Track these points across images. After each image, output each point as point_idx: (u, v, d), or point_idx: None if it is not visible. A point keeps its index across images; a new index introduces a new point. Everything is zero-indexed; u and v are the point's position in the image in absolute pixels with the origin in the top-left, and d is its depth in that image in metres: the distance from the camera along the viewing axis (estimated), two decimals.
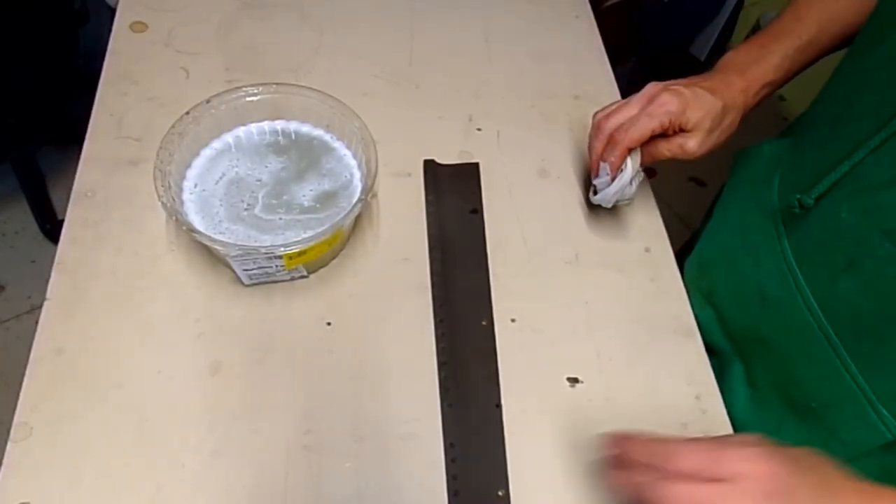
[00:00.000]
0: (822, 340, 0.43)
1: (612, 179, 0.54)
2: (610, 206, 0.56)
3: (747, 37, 1.77)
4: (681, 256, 0.61)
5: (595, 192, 0.56)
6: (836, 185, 0.43)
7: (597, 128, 0.54)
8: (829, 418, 0.44)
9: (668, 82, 0.52)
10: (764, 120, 0.58)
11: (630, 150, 0.53)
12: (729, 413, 0.52)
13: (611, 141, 0.52)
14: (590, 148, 0.55)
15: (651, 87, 0.52)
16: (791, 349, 0.46)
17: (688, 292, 0.57)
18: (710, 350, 0.56)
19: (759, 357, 0.50)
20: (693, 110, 0.50)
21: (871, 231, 0.40)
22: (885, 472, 0.43)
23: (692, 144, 0.51)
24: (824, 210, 0.45)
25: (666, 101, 0.50)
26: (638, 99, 0.52)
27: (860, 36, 0.49)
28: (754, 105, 0.54)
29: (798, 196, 0.46)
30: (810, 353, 0.44)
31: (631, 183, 0.54)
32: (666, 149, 0.53)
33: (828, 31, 0.53)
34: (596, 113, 0.55)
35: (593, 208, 0.61)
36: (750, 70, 0.53)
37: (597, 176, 0.55)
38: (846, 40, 0.54)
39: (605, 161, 0.53)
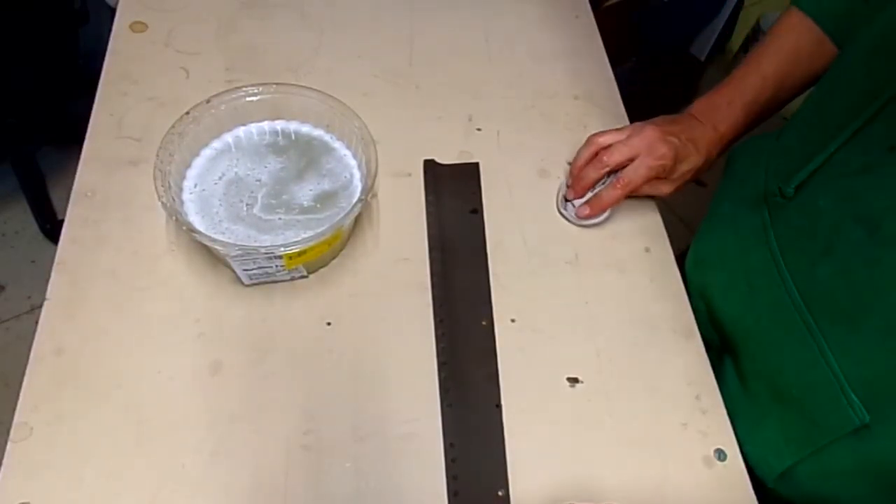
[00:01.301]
0: (802, 327, 0.45)
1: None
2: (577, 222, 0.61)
3: (747, 37, 1.77)
4: (683, 258, 0.62)
5: (565, 208, 0.61)
6: (814, 174, 0.46)
7: (591, 143, 0.59)
8: (808, 405, 0.45)
9: (663, 127, 0.56)
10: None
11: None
12: (725, 402, 0.53)
13: (612, 181, 0.57)
14: (576, 160, 0.60)
15: (651, 132, 0.56)
16: (773, 338, 0.48)
17: (687, 289, 0.58)
18: (706, 345, 0.57)
19: (745, 349, 0.52)
20: (682, 165, 0.57)
21: (845, 217, 0.43)
22: (857, 458, 0.44)
23: (667, 189, 0.59)
24: (804, 198, 0.47)
25: (664, 154, 0.55)
26: (639, 140, 0.56)
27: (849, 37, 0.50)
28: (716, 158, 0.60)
29: (779, 185, 0.49)
30: (790, 340, 0.46)
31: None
32: (645, 190, 0.59)
33: (786, 89, 0.58)
34: (591, 136, 0.59)
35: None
36: (721, 126, 0.58)
37: (578, 195, 0.59)
38: (795, 96, 0.59)
39: (602, 192, 0.58)
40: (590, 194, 0.59)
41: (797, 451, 0.47)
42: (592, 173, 0.57)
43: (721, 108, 0.58)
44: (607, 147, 0.57)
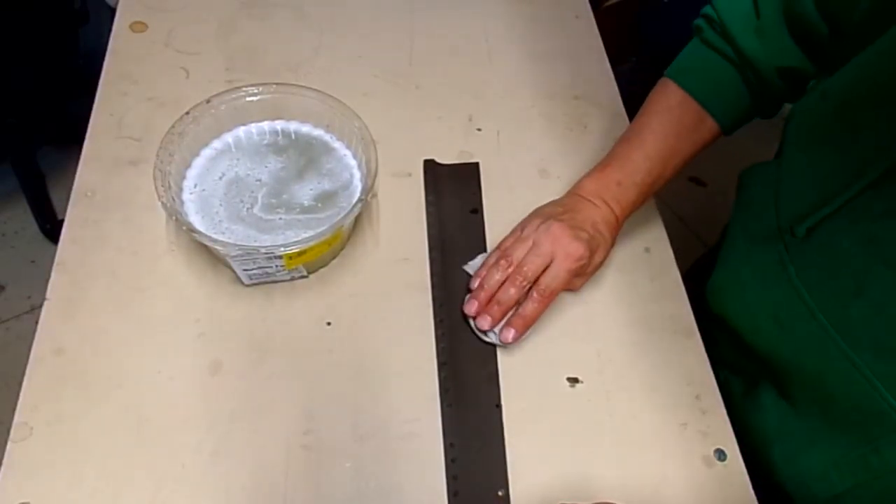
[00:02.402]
0: (845, 361, 0.43)
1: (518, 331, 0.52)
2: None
3: None
4: (697, 275, 0.60)
5: (486, 335, 0.53)
6: (833, 216, 0.44)
7: (505, 258, 0.53)
8: (871, 433, 0.44)
9: (568, 222, 0.52)
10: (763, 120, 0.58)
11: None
12: (758, 428, 0.52)
13: (534, 294, 0.52)
14: (487, 278, 0.53)
15: (559, 232, 0.52)
16: (818, 369, 0.46)
17: (711, 318, 0.57)
18: (737, 370, 0.56)
19: (790, 377, 0.50)
20: (596, 256, 0.53)
21: (873, 261, 0.41)
22: None
23: (580, 283, 0.56)
24: (824, 239, 0.45)
25: (581, 255, 0.51)
26: (551, 245, 0.52)
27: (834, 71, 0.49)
28: None
29: (791, 224, 0.47)
30: (835, 372, 0.44)
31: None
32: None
33: (671, 166, 0.56)
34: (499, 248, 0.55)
35: None
36: (617, 208, 0.55)
37: (498, 321, 0.52)
38: (679, 170, 0.57)
39: (525, 309, 0.52)
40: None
41: (852, 476, 0.45)
42: (514, 293, 0.51)
43: (612, 189, 0.55)
44: (520, 261, 0.52)
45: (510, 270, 0.52)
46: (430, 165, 0.63)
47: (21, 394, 0.48)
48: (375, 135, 0.54)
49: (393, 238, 0.59)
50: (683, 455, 0.50)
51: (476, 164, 0.64)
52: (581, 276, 0.54)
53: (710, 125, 0.55)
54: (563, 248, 0.51)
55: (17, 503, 0.44)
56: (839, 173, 0.44)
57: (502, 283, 0.52)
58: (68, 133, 1.00)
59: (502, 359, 0.53)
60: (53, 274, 0.53)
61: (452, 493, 0.47)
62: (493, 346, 0.54)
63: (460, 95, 0.69)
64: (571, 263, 0.51)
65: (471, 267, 0.57)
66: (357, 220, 0.57)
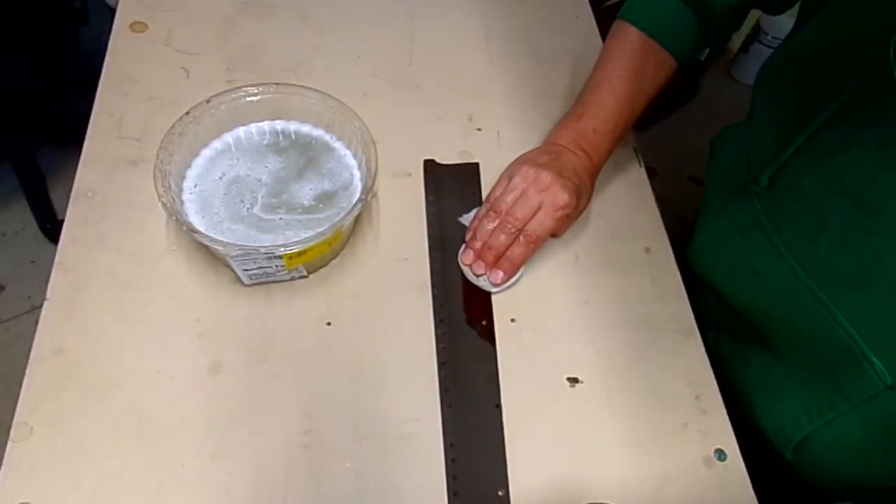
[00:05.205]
0: (813, 301, 0.46)
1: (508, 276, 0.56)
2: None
3: (747, 37, 1.75)
4: (679, 244, 0.62)
5: (476, 279, 0.56)
6: (793, 158, 0.47)
7: (495, 209, 0.56)
8: (837, 372, 0.46)
9: (553, 169, 0.55)
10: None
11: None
12: (743, 382, 0.54)
13: (520, 238, 0.55)
14: (477, 229, 0.56)
15: (547, 180, 0.54)
16: (790, 315, 0.48)
17: (696, 281, 0.58)
18: (724, 330, 0.58)
19: (771, 328, 0.52)
20: (581, 202, 0.56)
21: (831, 193, 0.44)
22: (876, 425, 0.45)
23: (565, 228, 0.59)
24: (787, 181, 0.48)
25: (567, 203, 0.54)
26: (538, 193, 0.54)
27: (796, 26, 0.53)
28: None
29: (757, 175, 0.50)
30: (807, 313, 0.47)
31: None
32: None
33: (637, 109, 0.59)
34: (487, 200, 0.58)
35: None
36: (595, 155, 0.58)
37: (492, 265, 0.55)
38: (641, 113, 0.60)
39: (512, 252, 0.55)
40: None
41: (818, 417, 0.48)
42: (504, 238, 0.55)
43: (589, 137, 0.58)
44: (508, 207, 0.55)
45: (500, 219, 0.55)
46: (430, 165, 0.63)
47: (21, 394, 0.48)
48: (375, 135, 0.54)
49: (393, 238, 0.59)
50: (683, 455, 0.50)
51: (476, 164, 0.64)
52: (565, 221, 0.57)
53: (669, 62, 0.59)
54: (550, 196, 0.54)
55: (17, 503, 0.44)
56: (799, 120, 0.47)
57: (493, 231, 0.55)
58: (68, 133, 1.00)
59: (502, 359, 0.53)
60: (53, 274, 0.53)
61: (452, 493, 0.47)
62: (488, 293, 0.56)
63: (460, 95, 0.69)
64: (556, 211, 0.54)
65: (466, 219, 0.59)
66: (357, 220, 0.57)
